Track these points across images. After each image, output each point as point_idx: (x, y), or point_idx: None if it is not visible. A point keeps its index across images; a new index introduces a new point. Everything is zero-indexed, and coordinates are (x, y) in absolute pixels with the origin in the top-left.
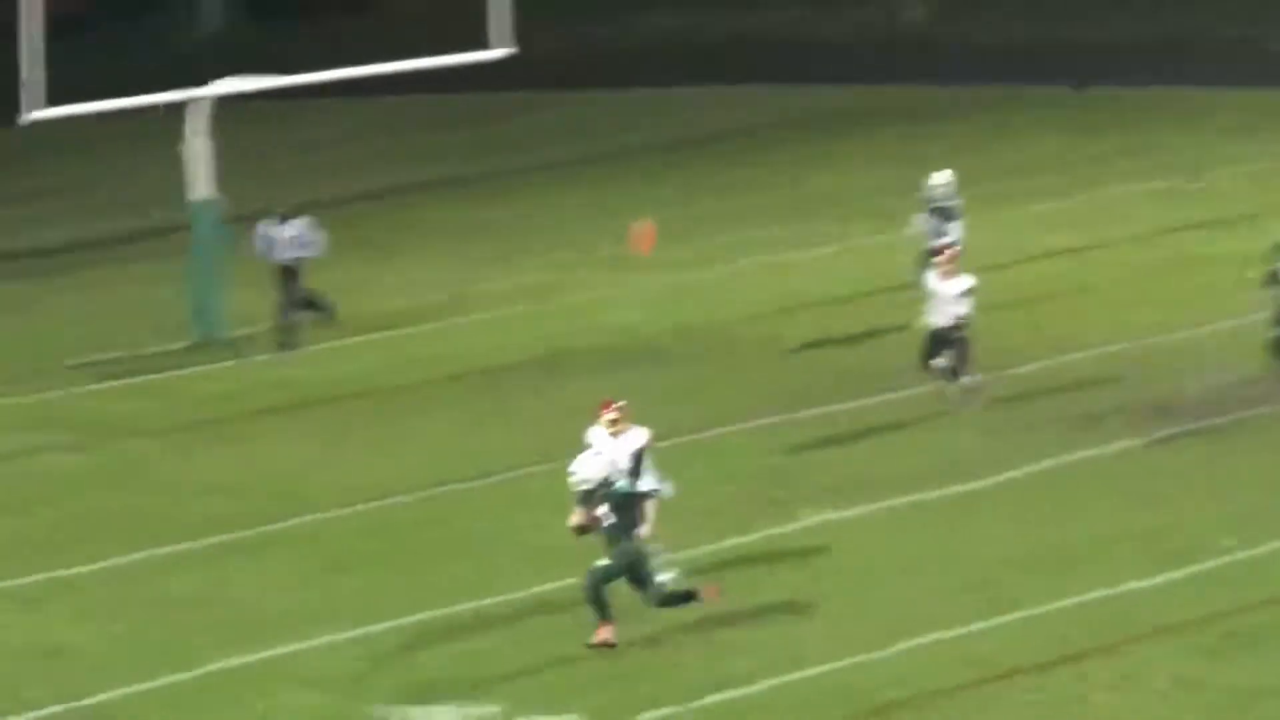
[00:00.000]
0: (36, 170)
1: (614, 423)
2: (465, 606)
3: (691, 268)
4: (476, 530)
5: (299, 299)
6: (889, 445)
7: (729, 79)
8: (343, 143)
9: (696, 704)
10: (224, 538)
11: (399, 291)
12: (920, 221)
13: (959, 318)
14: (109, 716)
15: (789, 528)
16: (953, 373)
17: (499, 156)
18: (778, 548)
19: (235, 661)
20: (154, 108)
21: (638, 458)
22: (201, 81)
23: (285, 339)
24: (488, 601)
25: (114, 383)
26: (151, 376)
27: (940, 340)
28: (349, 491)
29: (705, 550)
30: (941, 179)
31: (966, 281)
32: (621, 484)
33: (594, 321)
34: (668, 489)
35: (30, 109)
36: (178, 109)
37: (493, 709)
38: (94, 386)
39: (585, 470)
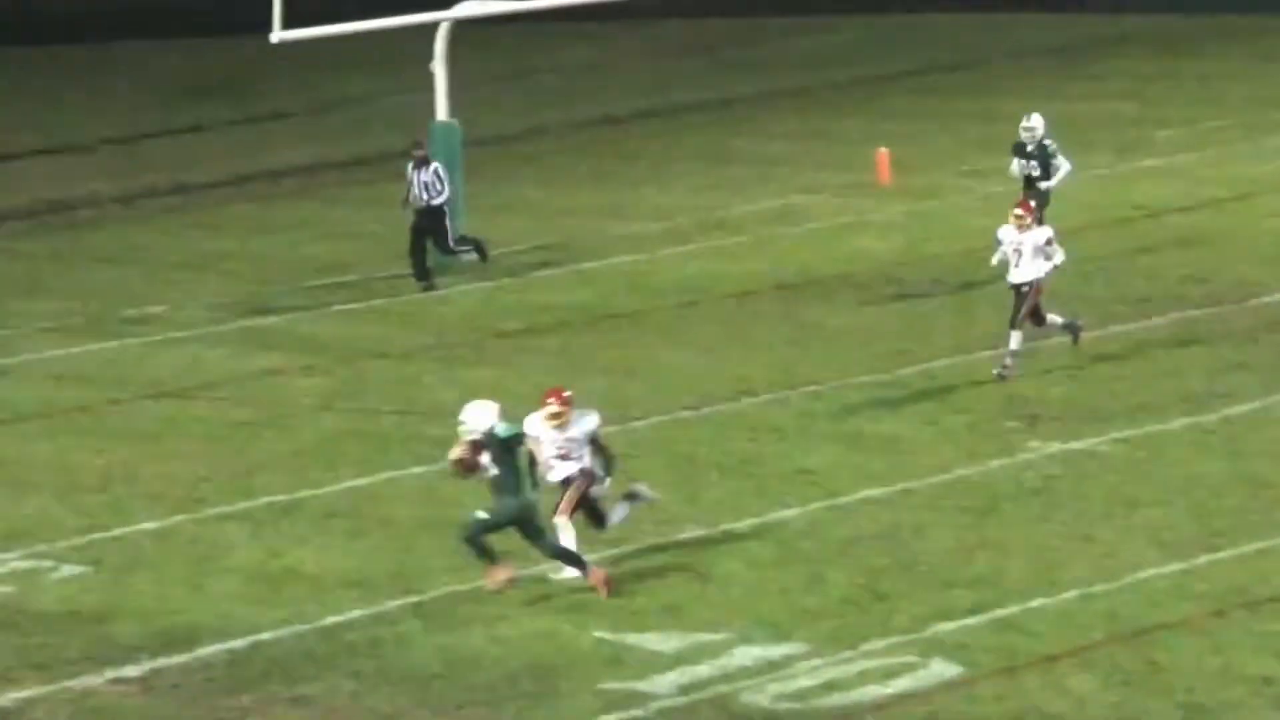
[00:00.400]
0: (278, 91)
1: (556, 416)
2: (697, 533)
3: (934, 196)
4: (710, 457)
5: (454, 242)
6: (1123, 375)
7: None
8: (595, 68)
9: (925, 633)
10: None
11: (645, 217)
12: (1016, 167)
13: (1039, 272)
14: (341, 639)
15: (1020, 458)
16: (1067, 329)
17: (748, 82)
18: (1010, 478)
19: (464, 586)
20: (400, 30)
21: (592, 441)
22: (447, 4)
23: (424, 281)
24: (719, 529)
25: (353, 305)
26: (390, 300)
27: (1020, 297)
28: None
29: (933, 481)
30: (1032, 122)
31: (1045, 233)
32: (500, 428)
33: (837, 248)
34: (646, 491)
35: (280, 28)
36: (426, 32)
37: (718, 637)
38: (333, 309)
39: (473, 419)
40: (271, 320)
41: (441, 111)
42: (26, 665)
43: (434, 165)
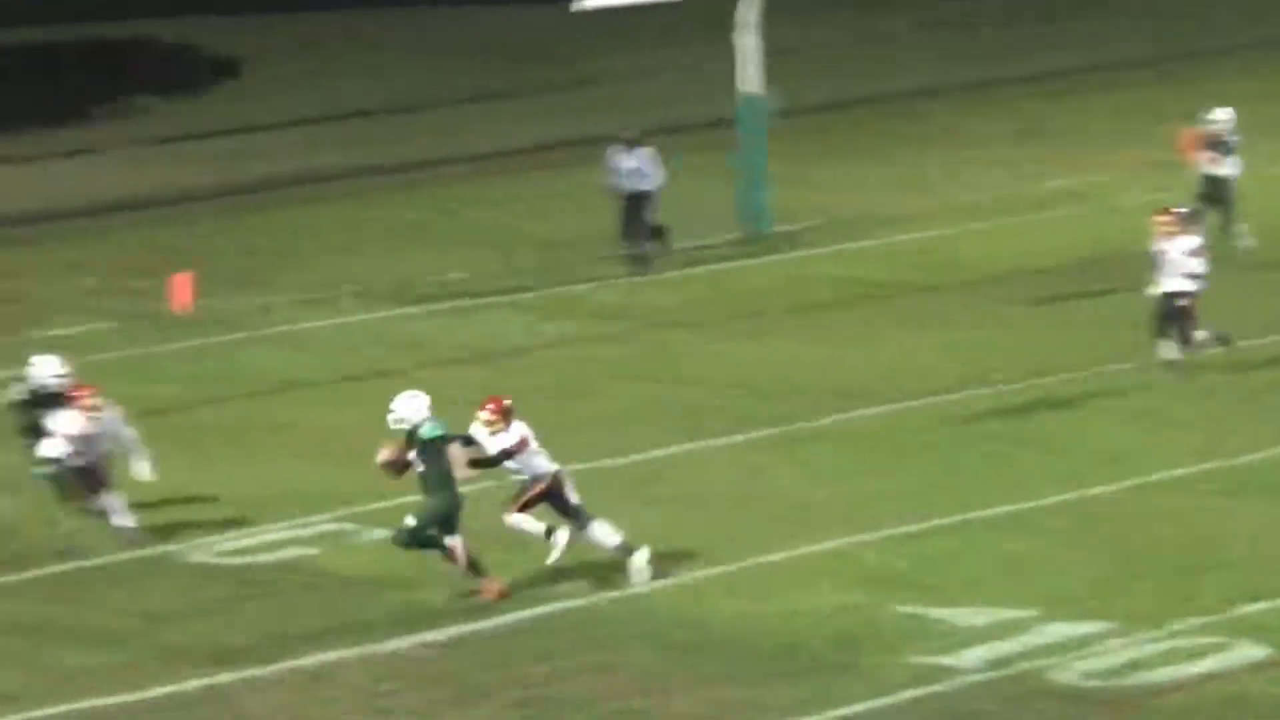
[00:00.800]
0: (585, 59)
1: (490, 423)
2: (1003, 510)
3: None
4: (1015, 433)
5: (644, 228)
6: None
7: None
8: (892, 39)
9: (1232, 614)
10: (760, 432)
11: (942, 192)
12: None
13: (1188, 281)
14: (646, 607)
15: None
16: (1187, 342)
17: (1048, 57)
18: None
19: (769, 557)
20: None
21: (508, 455)
22: None
23: (635, 266)
24: (1025, 506)
25: (657, 274)
26: (694, 269)
27: (1168, 308)
28: (889, 389)
29: (1239, 462)
30: (1223, 115)
31: (1194, 240)
32: (425, 428)
33: (1136, 225)
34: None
35: None
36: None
37: (1024, 613)
38: (637, 279)
39: (402, 409)
40: (572, 289)
41: (748, 83)
42: (334, 628)
43: (643, 149)
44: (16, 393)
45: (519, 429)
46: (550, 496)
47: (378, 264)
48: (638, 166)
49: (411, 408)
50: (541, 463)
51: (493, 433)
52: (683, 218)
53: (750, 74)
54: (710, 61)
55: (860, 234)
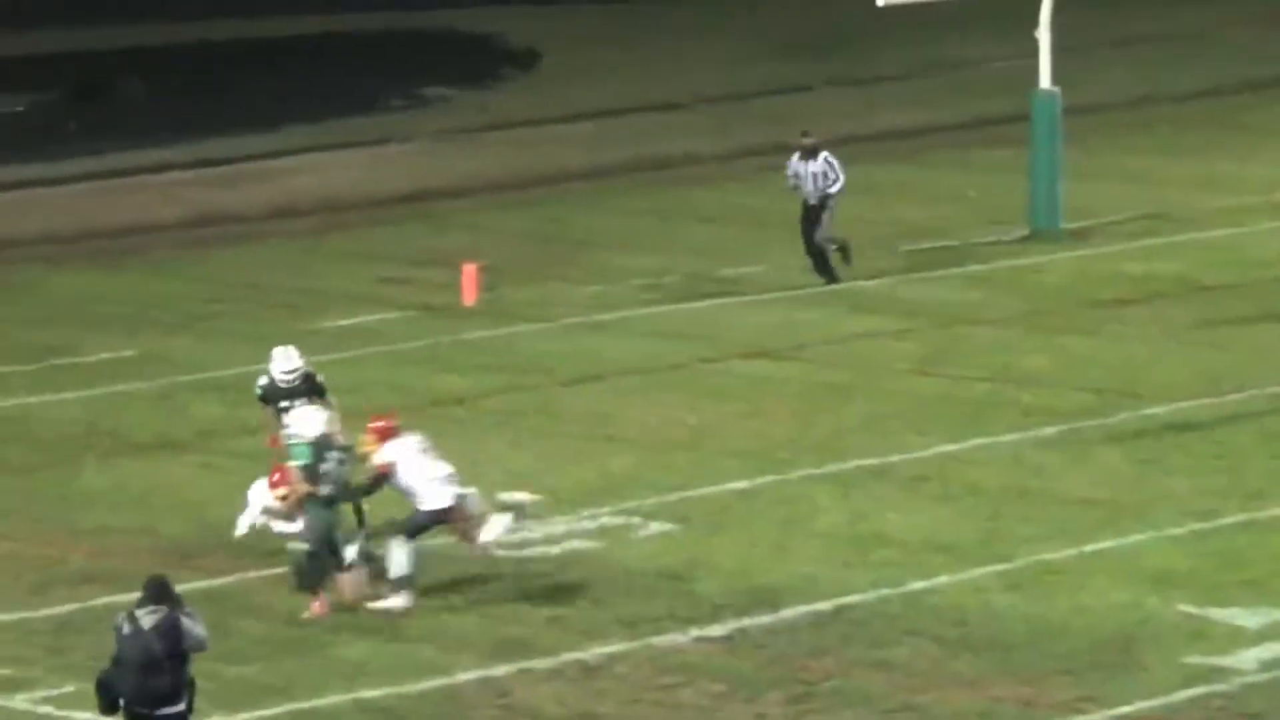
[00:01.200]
0: (882, 54)
1: (365, 445)
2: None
3: None
4: None
5: (823, 235)
6: None
7: None
8: (1202, 35)
9: None
10: (1043, 430)
11: (1246, 190)
12: None
13: None
14: (926, 604)
15: None
16: None
17: None
18: None
19: (1051, 555)
20: None
21: (375, 481)
22: None
23: (823, 274)
24: None
25: (947, 270)
26: (984, 266)
27: None
28: (1176, 388)
29: None
30: None
31: None
32: (294, 451)
33: None
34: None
35: None
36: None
37: None
38: (928, 273)
39: (298, 425)
40: (866, 283)
41: (1045, 79)
42: (613, 621)
43: (823, 154)
44: (258, 386)
45: (393, 452)
46: (444, 523)
47: (675, 254)
48: (820, 172)
49: (306, 424)
50: (431, 489)
51: (366, 456)
52: (977, 213)
53: (1047, 69)
54: (1007, 57)
55: (1157, 230)
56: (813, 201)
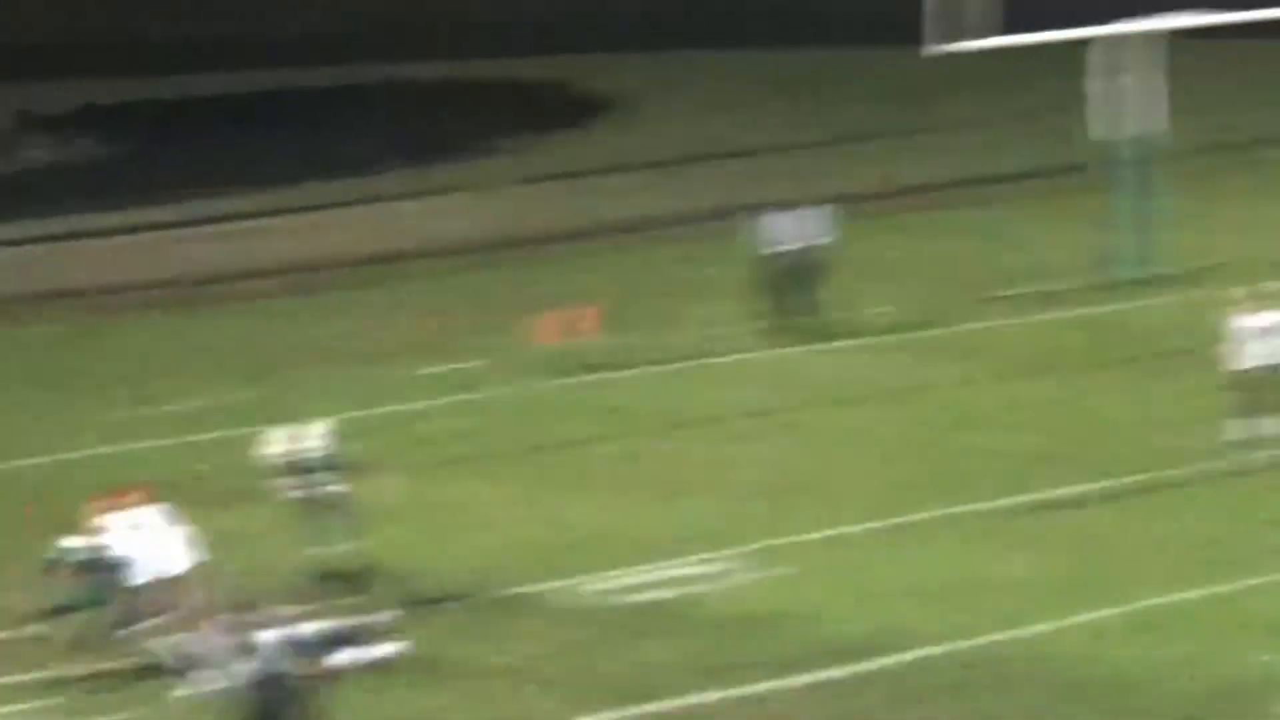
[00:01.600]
0: (941, 102)
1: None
2: None
3: None
4: None
5: (802, 286)
6: None
7: None
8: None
9: None
10: (1146, 476)
11: None
12: None
13: (1261, 359)
14: (1039, 651)
15: None
16: None
17: None
18: None
19: (1161, 599)
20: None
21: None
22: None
23: (804, 319)
24: None
25: (1035, 316)
26: (1071, 311)
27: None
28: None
29: None
30: None
31: (1270, 317)
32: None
33: None
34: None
35: (935, 41)
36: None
37: None
38: (1012, 320)
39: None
40: (942, 331)
41: (1129, 125)
42: (700, 669)
43: (814, 210)
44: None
45: (111, 534)
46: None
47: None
48: (807, 226)
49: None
50: (139, 570)
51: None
52: (1037, 261)
53: (1129, 116)
54: (1055, 109)
55: (1234, 277)
56: (793, 250)
